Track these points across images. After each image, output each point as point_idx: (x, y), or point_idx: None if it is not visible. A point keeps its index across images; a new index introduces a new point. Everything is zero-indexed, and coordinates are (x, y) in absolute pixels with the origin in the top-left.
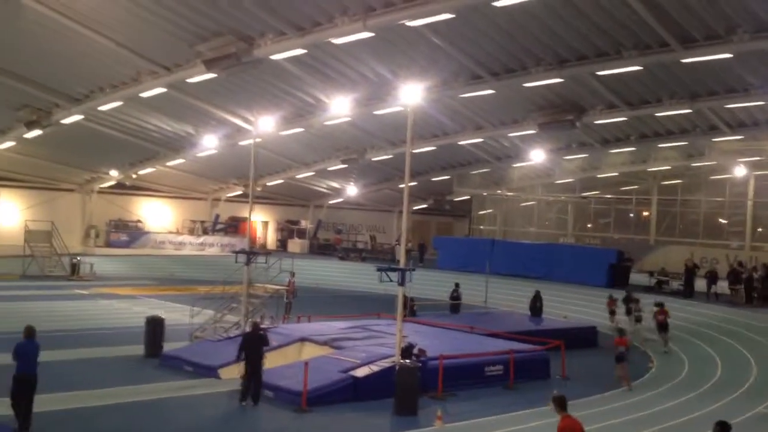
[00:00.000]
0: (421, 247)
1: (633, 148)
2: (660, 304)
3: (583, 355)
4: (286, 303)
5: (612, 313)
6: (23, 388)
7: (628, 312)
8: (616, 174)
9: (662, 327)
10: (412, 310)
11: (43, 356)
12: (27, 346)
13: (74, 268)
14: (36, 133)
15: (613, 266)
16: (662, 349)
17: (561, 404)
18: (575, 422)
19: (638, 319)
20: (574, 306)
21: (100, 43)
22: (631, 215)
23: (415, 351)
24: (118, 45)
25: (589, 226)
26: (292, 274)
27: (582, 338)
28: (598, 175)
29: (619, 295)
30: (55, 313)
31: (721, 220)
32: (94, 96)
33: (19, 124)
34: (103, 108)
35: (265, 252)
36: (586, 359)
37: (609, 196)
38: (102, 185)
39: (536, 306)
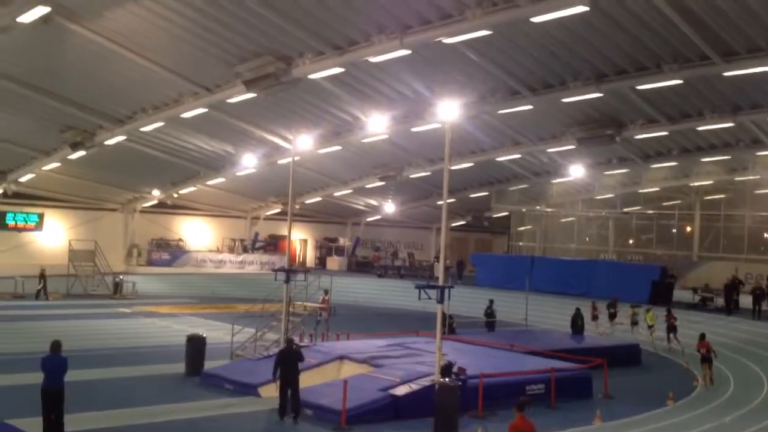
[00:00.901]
0: (460, 264)
1: (675, 163)
2: (668, 310)
3: (627, 374)
4: (318, 320)
5: (594, 318)
6: (50, 401)
7: (611, 317)
8: (658, 189)
9: (671, 329)
10: (451, 327)
11: (85, 374)
12: (53, 360)
13: (117, 287)
14: (80, 154)
15: (655, 283)
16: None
17: (520, 407)
18: (527, 422)
19: (634, 323)
20: (616, 323)
21: (143, 65)
22: (674, 231)
23: (455, 369)
24: (160, 67)
25: (630, 242)
26: (326, 292)
27: (625, 356)
28: (640, 190)
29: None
30: (98, 332)
31: (766, 235)
32: (136, 117)
33: (64, 146)
34: (146, 129)
35: (304, 270)
36: (629, 378)
37: (651, 211)
38: (144, 205)
39: (577, 323)
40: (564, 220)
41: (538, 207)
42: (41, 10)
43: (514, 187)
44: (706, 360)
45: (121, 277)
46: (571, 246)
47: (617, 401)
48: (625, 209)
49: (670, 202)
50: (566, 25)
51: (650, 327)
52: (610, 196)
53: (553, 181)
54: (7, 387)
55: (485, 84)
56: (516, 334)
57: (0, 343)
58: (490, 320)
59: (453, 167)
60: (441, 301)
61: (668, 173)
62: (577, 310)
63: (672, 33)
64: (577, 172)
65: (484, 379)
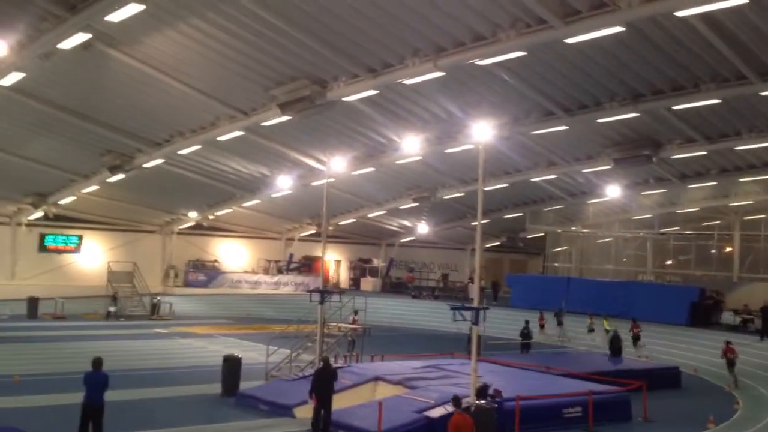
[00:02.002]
0: (495, 285)
1: (713, 183)
2: (634, 319)
3: (666, 397)
4: (349, 341)
5: (542, 327)
6: (90, 415)
7: (560, 324)
8: (697, 209)
9: (636, 339)
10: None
11: (123, 395)
12: (93, 376)
13: (154, 308)
14: (119, 177)
15: (694, 304)
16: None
17: (456, 403)
18: (466, 417)
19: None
20: (654, 345)
21: (181, 89)
22: (713, 251)
23: (491, 392)
24: (197, 91)
25: (668, 262)
26: (356, 312)
27: (664, 379)
28: (678, 211)
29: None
30: (136, 352)
31: None
32: (174, 140)
33: (103, 169)
34: (183, 152)
35: (339, 291)
36: (669, 401)
37: (689, 232)
38: (181, 226)
39: (615, 346)
40: (601, 240)
41: (573, 228)
42: (82, 37)
43: (550, 208)
44: (732, 364)
45: (158, 298)
46: (608, 267)
47: (657, 424)
48: (663, 230)
49: (709, 223)
50: (601, 45)
51: (607, 332)
52: (647, 216)
53: (589, 202)
54: (49, 407)
55: (519, 105)
56: (553, 356)
57: (41, 364)
58: (525, 341)
59: (487, 188)
60: (476, 322)
61: (707, 193)
62: (615, 331)
63: (708, 52)
64: (613, 192)
65: (520, 401)
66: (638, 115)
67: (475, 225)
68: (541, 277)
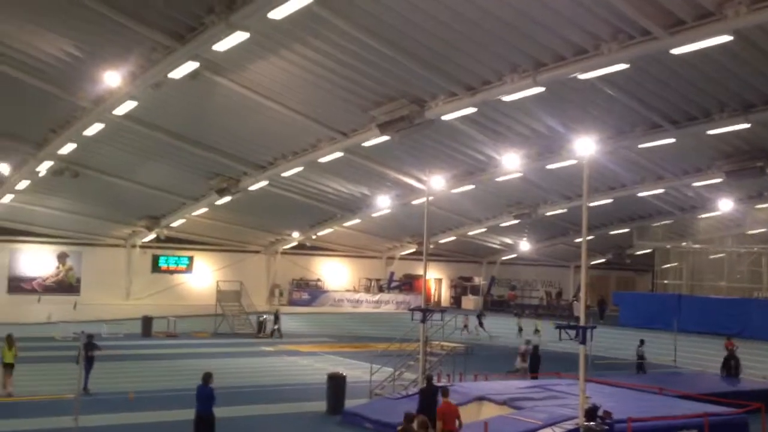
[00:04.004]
0: (601, 304)
1: None
2: (728, 336)
3: None
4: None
5: (465, 326)
6: (201, 428)
7: (480, 324)
8: None
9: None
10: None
11: (234, 411)
12: (202, 390)
13: (260, 326)
14: (226, 199)
15: None
16: None
17: (444, 393)
18: (452, 405)
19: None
20: None
21: (284, 113)
22: None
23: (600, 413)
24: (299, 114)
25: None
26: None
27: None
28: None
29: None
30: (243, 370)
31: None
32: (277, 163)
33: (211, 192)
34: (286, 174)
35: (440, 309)
36: None
37: None
38: (285, 246)
39: (731, 365)
40: (713, 256)
41: (684, 243)
42: (190, 66)
43: (658, 223)
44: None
45: (264, 316)
46: (722, 284)
47: None
48: None
49: None
50: (708, 55)
51: (536, 332)
52: (762, 230)
53: (700, 216)
54: (163, 422)
55: (623, 118)
56: (665, 377)
57: (155, 381)
58: (640, 361)
59: (591, 204)
60: (583, 341)
61: None
62: (730, 351)
63: None
64: (725, 206)
65: (632, 423)
66: (750, 125)
67: (579, 242)
68: (651, 295)
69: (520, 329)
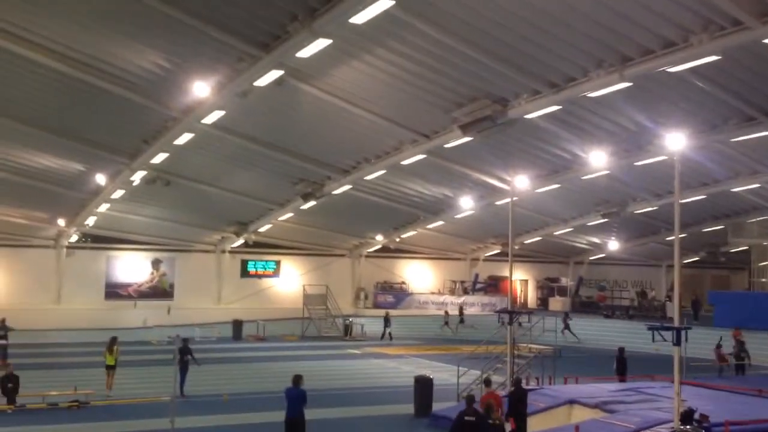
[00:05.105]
0: (695, 303)
1: None
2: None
3: None
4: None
5: (446, 323)
6: (292, 428)
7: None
8: None
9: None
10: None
11: (323, 413)
12: (291, 392)
13: (347, 329)
14: (311, 204)
15: None
16: None
17: (487, 383)
18: (495, 394)
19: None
20: None
21: (366, 117)
22: None
23: (697, 416)
24: (381, 118)
25: None
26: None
27: None
28: None
29: None
30: (331, 372)
31: None
32: (360, 166)
33: (296, 197)
34: (369, 177)
35: (527, 311)
36: None
37: None
38: (369, 249)
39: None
40: None
41: None
42: (275, 74)
43: (754, 219)
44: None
45: (350, 319)
46: None
47: None
48: None
49: None
50: None
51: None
52: None
53: None
54: (256, 424)
55: (715, 112)
56: (765, 378)
57: (247, 383)
58: (739, 363)
59: (683, 200)
60: (677, 343)
61: None
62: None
63: None
64: None
65: (730, 427)
66: None
67: (671, 240)
68: (748, 294)
69: (446, 322)
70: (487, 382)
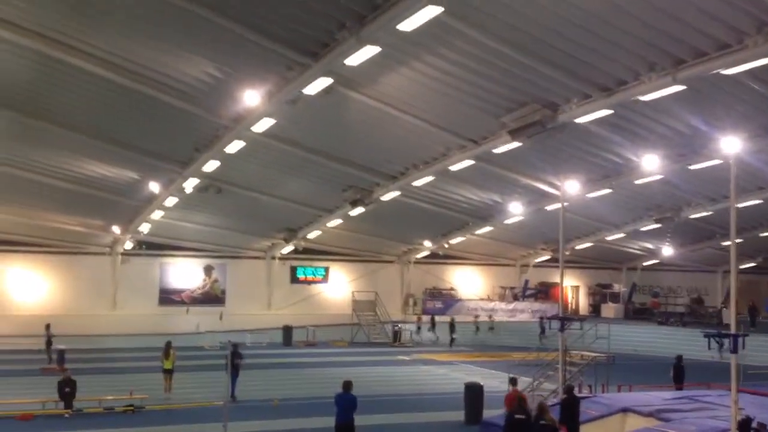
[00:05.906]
0: (752, 310)
1: None
2: None
3: None
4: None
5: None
6: None
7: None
8: None
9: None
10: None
11: (373, 419)
12: (344, 398)
13: (396, 335)
14: (359, 210)
15: None
16: None
17: (513, 382)
18: (518, 392)
19: None
20: None
21: (414, 123)
22: None
23: (755, 425)
24: (429, 124)
25: None
26: None
27: None
28: None
29: None
30: (380, 378)
31: None
32: (408, 173)
33: (345, 204)
34: (417, 183)
35: (579, 318)
36: None
37: None
38: (417, 256)
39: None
40: None
41: None
42: (324, 82)
43: None
44: None
45: (399, 325)
46: None
47: None
48: None
49: None
50: None
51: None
52: None
53: None
54: (306, 429)
55: None
56: None
57: (297, 389)
58: None
59: (739, 205)
60: (735, 350)
61: None
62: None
63: None
64: None
65: None
66: None
67: (727, 245)
68: None
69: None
70: (513, 381)
